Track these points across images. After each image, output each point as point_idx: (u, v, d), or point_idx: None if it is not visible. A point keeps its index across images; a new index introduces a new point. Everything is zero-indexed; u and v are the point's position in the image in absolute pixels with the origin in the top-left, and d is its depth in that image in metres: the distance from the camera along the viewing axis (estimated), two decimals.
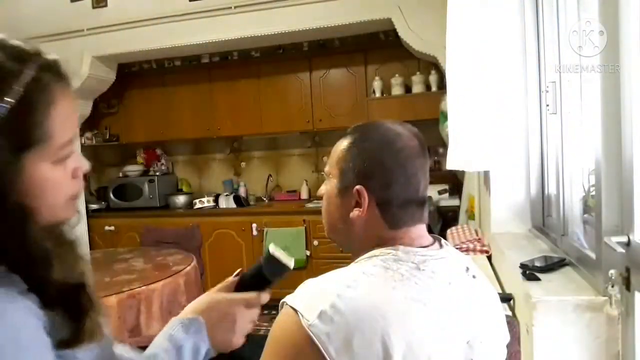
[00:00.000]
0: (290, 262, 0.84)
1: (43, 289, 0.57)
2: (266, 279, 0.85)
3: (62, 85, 0.61)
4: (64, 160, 0.62)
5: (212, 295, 0.83)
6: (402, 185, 0.82)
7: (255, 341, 0.83)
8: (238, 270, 0.88)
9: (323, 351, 0.68)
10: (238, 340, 0.81)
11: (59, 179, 0.61)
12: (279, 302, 0.77)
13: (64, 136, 0.61)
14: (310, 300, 0.72)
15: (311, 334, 0.69)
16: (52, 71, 0.61)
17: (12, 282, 0.55)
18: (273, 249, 0.85)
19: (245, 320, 0.82)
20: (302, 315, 0.71)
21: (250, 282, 0.86)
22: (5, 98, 0.55)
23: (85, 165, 0.66)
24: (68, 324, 0.59)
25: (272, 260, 0.84)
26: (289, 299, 0.75)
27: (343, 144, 0.88)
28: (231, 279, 0.88)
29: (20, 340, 0.53)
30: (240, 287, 0.86)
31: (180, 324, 0.76)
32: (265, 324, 0.82)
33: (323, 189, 0.92)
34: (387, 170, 0.82)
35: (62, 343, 0.58)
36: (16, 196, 0.56)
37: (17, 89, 0.56)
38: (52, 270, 0.58)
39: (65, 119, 0.61)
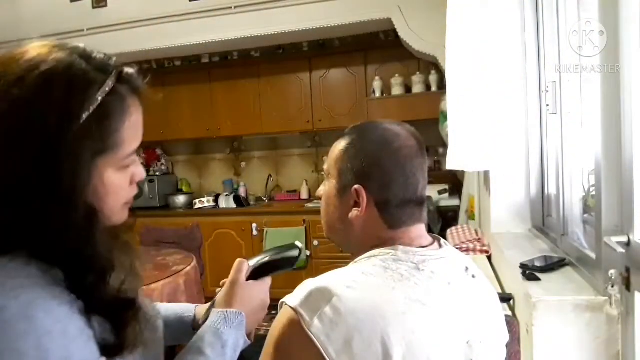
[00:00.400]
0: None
1: (92, 296, 0.58)
2: (281, 267, 0.90)
3: (134, 98, 0.65)
4: (127, 167, 0.66)
5: (247, 286, 0.84)
6: (400, 185, 0.82)
7: (255, 341, 0.83)
8: (254, 262, 0.88)
9: (323, 352, 0.68)
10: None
11: (120, 184, 0.65)
12: (279, 302, 0.77)
13: (132, 145, 0.65)
14: (309, 301, 0.72)
15: (311, 335, 0.69)
16: (129, 84, 0.65)
17: (57, 281, 0.57)
18: (299, 243, 0.92)
19: (267, 305, 0.87)
20: (302, 316, 0.70)
21: (266, 269, 0.88)
22: (88, 106, 0.58)
23: (142, 173, 0.70)
24: (108, 334, 0.60)
25: (299, 253, 0.91)
26: (288, 299, 0.75)
27: (341, 144, 0.88)
28: (246, 266, 0.87)
29: (69, 331, 0.55)
30: (257, 274, 0.87)
31: (224, 318, 0.77)
32: (265, 324, 0.82)
33: (322, 190, 0.92)
34: (385, 170, 0.82)
35: (102, 350, 0.59)
36: (87, 199, 0.59)
37: (98, 97, 0.59)
38: (108, 279, 0.60)
39: (135, 129, 0.65)
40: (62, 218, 0.57)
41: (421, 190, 0.85)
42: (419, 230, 0.85)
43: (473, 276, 0.84)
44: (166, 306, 0.94)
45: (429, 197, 3.07)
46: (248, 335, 0.81)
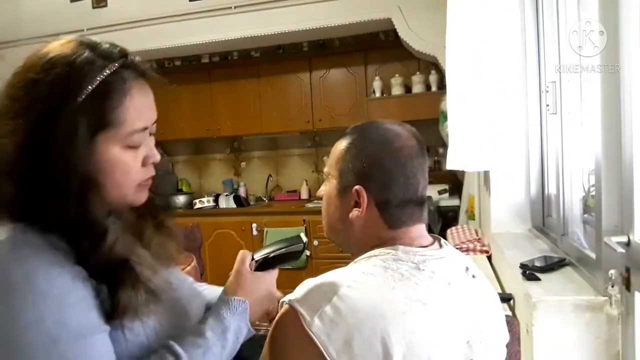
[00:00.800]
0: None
1: (88, 259, 0.65)
2: (285, 261, 0.90)
3: (140, 81, 0.71)
4: (135, 148, 0.71)
5: (252, 276, 0.85)
6: (401, 185, 0.82)
7: (255, 341, 0.83)
8: (259, 256, 0.88)
9: (323, 351, 0.68)
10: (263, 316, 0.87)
11: (128, 163, 0.70)
12: (279, 301, 0.77)
13: (134, 124, 0.69)
14: (310, 300, 0.72)
15: (311, 334, 0.69)
16: (132, 68, 0.71)
17: (60, 249, 0.63)
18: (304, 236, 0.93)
19: (274, 296, 0.87)
20: (302, 315, 0.71)
21: (272, 262, 0.88)
22: (86, 85, 0.65)
23: (155, 156, 0.74)
24: (108, 297, 0.65)
25: (304, 246, 0.91)
26: (287, 298, 0.75)
27: (342, 144, 0.88)
28: (249, 257, 0.89)
29: (66, 297, 0.60)
30: (262, 267, 0.88)
31: (228, 304, 0.78)
32: (265, 323, 0.81)
33: (323, 190, 0.92)
34: (386, 171, 0.82)
35: (106, 315, 0.65)
36: (86, 170, 0.65)
37: (98, 78, 0.66)
38: (102, 244, 0.66)
39: (138, 109, 0.70)
40: (59, 186, 0.63)
41: (421, 190, 0.85)
42: (420, 230, 0.85)
43: (473, 276, 0.84)
44: (212, 289, 0.97)
45: (429, 197, 3.07)
46: (252, 325, 0.81)
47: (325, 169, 0.92)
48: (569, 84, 1.60)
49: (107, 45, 0.70)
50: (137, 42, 3.88)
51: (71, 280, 0.61)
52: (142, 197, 0.75)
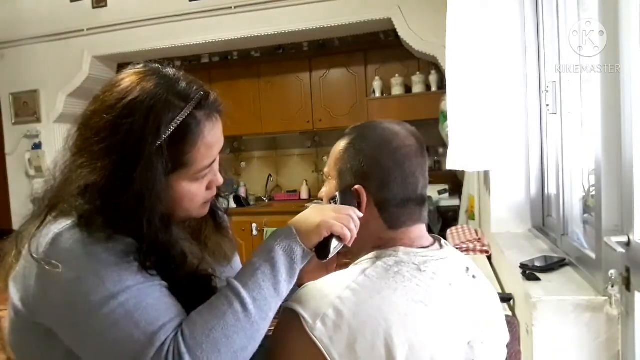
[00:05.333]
0: None
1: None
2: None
3: (213, 119, 0.76)
4: (202, 178, 0.77)
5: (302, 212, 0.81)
6: (399, 184, 0.82)
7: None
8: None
9: (326, 355, 0.68)
10: (325, 225, 0.75)
11: (195, 192, 0.76)
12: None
13: (204, 162, 0.75)
14: (311, 304, 0.72)
15: (314, 338, 0.69)
16: (207, 107, 0.75)
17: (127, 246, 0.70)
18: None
19: (336, 213, 0.77)
20: (304, 319, 0.70)
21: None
22: (167, 129, 0.70)
23: (219, 180, 0.80)
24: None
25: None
26: (290, 303, 0.74)
27: (341, 144, 0.88)
28: None
29: (121, 264, 0.68)
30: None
31: (272, 236, 0.75)
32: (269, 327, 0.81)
33: (323, 191, 0.92)
34: (384, 170, 0.82)
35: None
36: (157, 202, 0.70)
37: (173, 125, 0.70)
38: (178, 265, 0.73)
39: (208, 147, 0.75)
40: (135, 211, 0.69)
41: (421, 189, 0.85)
42: (420, 230, 0.85)
43: (474, 277, 0.84)
44: None
45: (429, 197, 3.07)
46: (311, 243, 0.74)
47: (325, 170, 0.91)
48: (569, 84, 1.60)
49: (184, 84, 0.74)
50: (137, 42, 3.89)
51: (127, 261, 0.68)
52: (205, 211, 0.82)
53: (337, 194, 0.84)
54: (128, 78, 0.73)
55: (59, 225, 0.70)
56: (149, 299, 0.66)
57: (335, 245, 0.75)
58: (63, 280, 0.66)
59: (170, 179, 0.72)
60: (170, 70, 0.76)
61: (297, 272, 0.72)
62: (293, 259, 0.71)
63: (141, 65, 0.77)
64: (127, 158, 0.69)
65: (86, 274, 0.66)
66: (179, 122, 0.70)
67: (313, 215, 0.76)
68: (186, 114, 0.71)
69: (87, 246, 0.67)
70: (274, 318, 0.74)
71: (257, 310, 0.67)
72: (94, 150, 0.70)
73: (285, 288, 0.71)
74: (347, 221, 0.76)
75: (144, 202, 0.69)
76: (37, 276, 0.69)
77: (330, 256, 0.76)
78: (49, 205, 0.74)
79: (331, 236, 0.75)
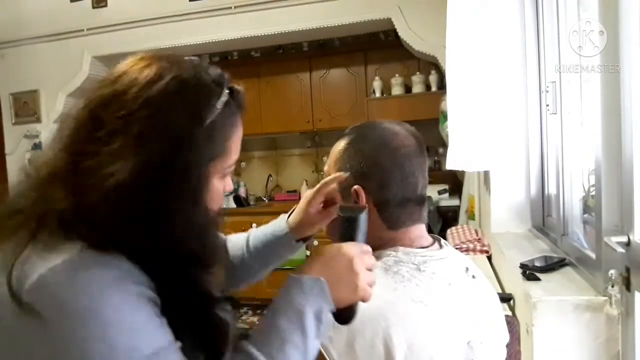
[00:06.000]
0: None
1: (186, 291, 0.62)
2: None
3: (241, 113, 0.69)
4: (225, 177, 0.69)
5: (323, 249, 0.70)
6: (399, 184, 0.82)
7: None
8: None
9: (325, 354, 0.68)
10: (362, 293, 0.66)
11: (220, 192, 0.68)
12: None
13: (234, 156, 0.68)
14: None
15: None
16: (237, 99, 0.68)
17: (129, 270, 0.58)
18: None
19: (366, 271, 0.68)
20: None
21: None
22: (213, 111, 0.62)
23: (231, 185, 0.72)
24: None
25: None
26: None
27: (340, 144, 0.88)
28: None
29: (135, 322, 0.56)
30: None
31: (300, 286, 0.64)
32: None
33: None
34: (383, 170, 0.82)
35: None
36: (198, 197, 0.62)
37: (218, 106, 0.63)
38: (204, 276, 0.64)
39: (238, 142, 0.68)
40: (185, 214, 0.60)
41: (421, 189, 0.85)
42: (419, 230, 0.85)
43: (473, 277, 0.84)
44: (256, 232, 0.99)
45: (429, 197, 3.07)
46: (342, 302, 0.66)
47: (325, 169, 0.92)
48: (569, 84, 1.60)
49: (216, 70, 0.67)
50: (137, 42, 3.89)
51: (136, 301, 0.57)
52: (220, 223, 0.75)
53: (350, 216, 0.73)
54: (154, 63, 0.63)
55: (57, 256, 0.55)
56: None
57: (358, 310, 0.68)
58: (70, 342, 0.53)
59: (209, 171, 0.64)
60: (192, 58, 0.68)
61: (323, 334, 0.64)
62: (321, 321, 0.63)
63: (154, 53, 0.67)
64: (175, 141, 0.59)
65: (110, 337, 0.53)
66: (221, 105, 0.64)
67: (346, 273, 0.66)
68: (225, 99, 0.65)
69: (106, 289, 0.55)
70: None
71: None
72: (124, 131, 0.58)
73: (312, 355, 0.63)
74: (372, 279, 0.68)
75: (196, 202, 0.61)
76: (18, 330, 0.55)
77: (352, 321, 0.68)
78: (34, 219, 0.59)
79: None
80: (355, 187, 0.83)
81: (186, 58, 0.66)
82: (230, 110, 0.65)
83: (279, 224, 0.96)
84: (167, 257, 0.60)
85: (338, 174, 0.86)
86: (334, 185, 0.88)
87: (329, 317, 0.64)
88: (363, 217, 0.72)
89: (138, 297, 0.57)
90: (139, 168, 0.58)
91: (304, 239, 0.97)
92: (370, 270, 0.68)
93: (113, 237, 0.57)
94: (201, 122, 0.61)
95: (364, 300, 0.67)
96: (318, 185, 0.90)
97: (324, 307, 0.63)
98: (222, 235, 0.74)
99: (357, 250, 0.68)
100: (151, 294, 0.58)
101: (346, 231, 0.71)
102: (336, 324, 0.66)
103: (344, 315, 0.66)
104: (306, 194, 0.93)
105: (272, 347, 0.60)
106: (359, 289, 0.65)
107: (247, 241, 0.99)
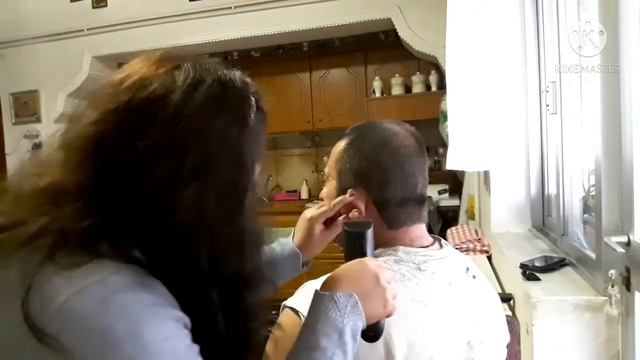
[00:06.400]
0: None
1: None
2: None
3: (266, 114, 0.67)
4: (260, 176, 0.66)
5: (346, 266, 0.69)
6: (398, 184, 0.82)
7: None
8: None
9: None
10: (390, 307, 0.66)
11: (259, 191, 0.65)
12: (280, 304, 0.76)
13: (265, 159, 0.66)
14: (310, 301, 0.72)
15: None
16: (260, 100, 0.66)
17: (162, 294, 0.53)
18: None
19: (389, 285, 0.67)
20: (303, 317, 0.70)
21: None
22: (250, 115, 0.60)
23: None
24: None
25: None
26: (289, 302, 0.75)
27: (340, 145, 0.88)
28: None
29: (177, 349, 0.51)
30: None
31: (335, 304, 0.61)
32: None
33: (324, 192, 0.92)
34: (383, 170, 0.82)
35: None
36: (250, 200, 0.60)
37: (253, 108, 0.62)
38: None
39: (265, 143, 0.66)
40: (238, 228, 0.57)
41: (421, 189, 0.85)
42: (420, 230, 0.85)
43: (474, 277, 0.84)
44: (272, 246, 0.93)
45: (429, 197, 3.07)
46: (372, 317, 0.65)
47: (326, 170, 0.92)
48: (569, 84, 1.60)
49: (238, 73, 0.64)
50: (137, 42, 3.89)
51: (176, 328, 0.52)
52: None
53: (360, 232, 0.72)
54: (177, 68, 0.58)
55: (84, 278, 0.48)
56: None
57: (384, 325, 0.68)
58: None
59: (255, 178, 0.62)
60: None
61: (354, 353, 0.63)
62: (356, 339, 0.62)
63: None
64: (219, 152, 0.56)
65: None
66: (254, 106, 0.62)
67: (376, 291, 0.64)
68: (254, 100, 0.63)
69: (133, 323, 0.48)
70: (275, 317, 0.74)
71: None
72: (159, 151, 0.53)
73: None
74: (395, 292, 0.67)
75: (241, 213, 0.58)
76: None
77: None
78: (50, 235, 0.51)
79: None
80: (350, 190, 0.83)
81: (208, 58, 0.63)
82: (260, 110, 0.64)
83: (286, 245, 0.95)
84: (213, 278, 0.55)
85: (343, 197, 0.85)
86: (339, 206, 0.87)
87: (360, 331, 0.63)
88: (370, 232, 0.72)
89: (176, 322, 0.52)
90: (190, 182, 0.53)
91: (306, 264, 0.97)
92: (389, 283, 0.67)
93: (150, 256, 0.52)
94: (247, 126, 0.59)
95: (389, 315, 0.66)
96: (323, 208, 0.90)
97: (359, 324, 0.62)
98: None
99: (378, 265, 0.67)
100: (187, 319, 0.53)
101: (355, 246, 0.71)
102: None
103: (372, 331, 0.65)
104: (307, 214, 0.94)
105: None
106: (388, 303, 0.65)
107: None
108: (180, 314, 0.53)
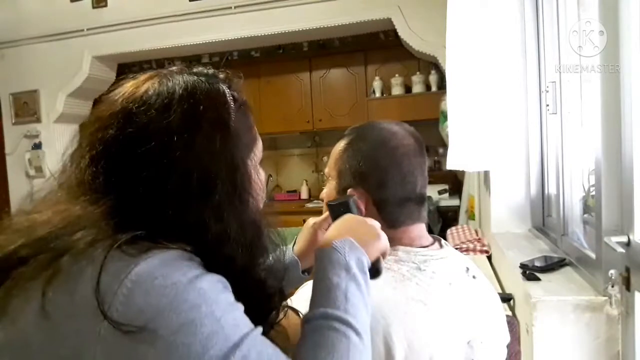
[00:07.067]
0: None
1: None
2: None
3: (245, 100, 0.67)
4: (260, 167, 0.68)
5: (337, 222, 0.75)
6: (397, 183, 0.82)
7: None
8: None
9: None
10: (384, 241, 0.71)
11: (263, 182, 0.68)
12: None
13: (260, 142, 0.69)
14: None
15: None
16: (233, 88, 0.66)
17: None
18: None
19: (375, 223, 0.73)
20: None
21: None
22: (231, 108, 0.62)
23: (263, 174, 0.71)
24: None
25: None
26: (290, 302, 0.74)
27: (340, 145, 0.89)
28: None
29: (230, 301, 0.55)
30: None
31: (334, 248, 0.66)
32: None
33: (325, 192, 0.92)
34: (382, 169, 0.83)
35: None
36: (252, 197, 0.63)
37: (230, 102, 0.63)
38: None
39: (254, 126, 0.68)
40: (239, 217, 0.60)
41: (420, 188, 0.85)
42: (419, 229, 0.85)
43: (474, 277, 0.84)
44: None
45: (429, 197, 3.07)
46: (372, 255, 0.69)
47: (326, 170, 0.92)
48: (569, 84, 1.60)
49: (203, 69, 0.67)
50: (137, 42, 3.89)
51: (224, 287, 0.56)
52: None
53: (341, 201, 0.80)
54: (150, 82, 0.62)
55: (134, 261, 0.52)
56: (267, 347, 0.54)
57: (383, 264, 0.72)
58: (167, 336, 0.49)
59: (250, 165, 0.65)
60: (173, 68, 0.67)
61: (368, 286, 0.66)
62: (365, 272, 0.66)
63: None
64: (213, 155, 0.59)
65: (202, 317, 0.51)
66: (232, 99, 0.63)
67: (365, 227, 0.72)
68: (229, 92, 0.64)
69: (191, 278, 0.53)
70: None
71: (365, 333, 0.61)
72: (166, 149, 0.57)
73: (369, 301, 0.65)
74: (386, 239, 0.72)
75: (246, 202, 0.61)
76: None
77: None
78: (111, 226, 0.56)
79: None
80: (349, 190, 0.84)
81: (174, 68, 0.66)
82: (238, 100, 0.65)
83: (287, 254, 0.96)
84: (228, 256, 0.59)
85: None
86: None
87: (366, 265, 0.66)
88: (352, 202, 0.79)
89: (223, 283, 0.56)
90: (200, 197, 0.58)
91: (308, 271, 0.97)
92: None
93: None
94: (228, 128, 0.61)
95: (385, 250, 0.71)
96: (326, 214, 0.90)
97: (362, 258, 0.66)
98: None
99: (372, 220, 0.74)
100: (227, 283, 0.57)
101: (341, 214, 0.77)
102: None
103: (373, 267, 0.69)
104: (310, 222, 0.94)
105: (339, 302, 0.60)
106: (380, 236, 0.70)
107: None
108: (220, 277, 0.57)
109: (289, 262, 0.91)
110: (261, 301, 0.63)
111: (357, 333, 0.58)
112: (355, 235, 0.68)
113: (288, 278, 0.88)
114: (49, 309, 0.52)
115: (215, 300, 0.53)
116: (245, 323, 0.54)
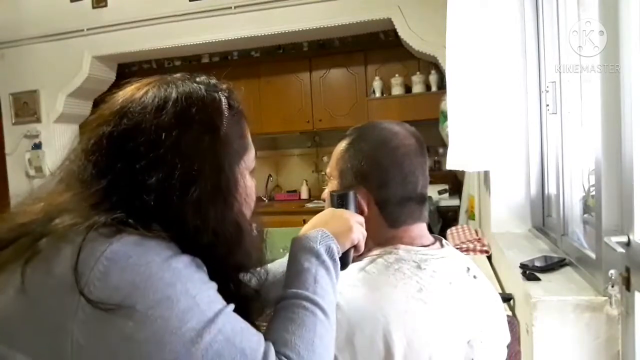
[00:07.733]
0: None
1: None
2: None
3: (243, 110, 0.71)
4: (253, 173, 0.71)
5: (316, 215, 0.79)
6: (398, 183, 0.83)
7: None
8: None
9: None
10: (357, 232, 0.75)
11: (253, 188, 0.70)
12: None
13: (252, 150, 0.71)
14: None
15: None
16: (232, 98, 0.69)
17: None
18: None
19: (357, 224, 0.77)
20: None
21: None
22: (222, 117, 0.65)
23: (253, 181, 0.73)
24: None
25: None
26: None
27: (342, 145, 0.89)
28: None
29: (204, 279, 0.58)
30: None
31: (306, 237, 0.71)
32: (264, 324, 0.80)
33: (326, 192, 0.92)
34: (383, 169, 0.83)
35: None
36: (237, 200, 0.65)
37: (225, 110, 0.66)
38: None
39: (249, 135, 0.71)
40: (220, 215, 0.62)
41: (421, 188, 0.85)
42: (420, 229, 0.86)
43: (474, 277, 0.85)
44: (272, 266, 0.94)
45: (429, 197, 3.08)
46: (344, 244, 0.73)
47: (327, 170, 0.92)
48: (569, 84, 1.60)
49: (205, 78, 0.70)
50: (137, 42, 3.89)
51: (197, 266, 0.59)
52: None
53: (341, 193, 0.83)
54: (150, 88, 0.65)
55: (110, 239, 0.55)
56: (239, 322, 0.57)
57: (352, 255, 0.77)
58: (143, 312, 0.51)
59: (240, 171, 0.67)
60: (176, 75, 0.71)
61: (337, 273, 0.70)
62: (335, 259, 0.70)
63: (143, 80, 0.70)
64: (201, 157, 0.61)
65: (177, 294, 0.53)
66: (227, 107, 0.66)
67: (339, 220, 0.75)
68: (225, 101, 0.67)
69: (165, 258, 0.55)
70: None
71: (332, 313, 0.65)
72: (155, 148, 0.60)
73: (337, 286, 0.69)
74: (362, 231, 0.76)
75: (230, 205, 0.63)
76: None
77: (349, 266, 0.77)
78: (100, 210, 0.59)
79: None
80: (352, 190, 0.83)
81: (177, 75, 0.68)
82: (235, 108, 0.68)
83: (280, 264, 0.95)
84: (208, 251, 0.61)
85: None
86: None
87: (336, 253, 0.70)
88: (352, 195, 0.82)
89: (193, 260, 0.59)
90: (182, 192, 0.60)
91: None
92: (360, 223, 0.76)
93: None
94: (218, 132, 0.63)
95: (357, 248, 0.75)
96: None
97: (332, 245, 0.70)
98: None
99: (349, 213, 0.78)
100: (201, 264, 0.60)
101: (339, 206, 0.80)
102: None
103: (341, 259, 0.72)
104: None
105: (309, 284, 0.65)
106: (352, 228, 0.74)
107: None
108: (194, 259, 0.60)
109: (281, 274, 0.91)
110: (235, 285, 0.66)
111: (324, 312, 0.63)
112: (328, 226, 0.73)
113: (278, 288, 0.89)
114: (28, 287, 0.54)
115: (189, 279, 0.56)
116: (219, 300, 0.57)
